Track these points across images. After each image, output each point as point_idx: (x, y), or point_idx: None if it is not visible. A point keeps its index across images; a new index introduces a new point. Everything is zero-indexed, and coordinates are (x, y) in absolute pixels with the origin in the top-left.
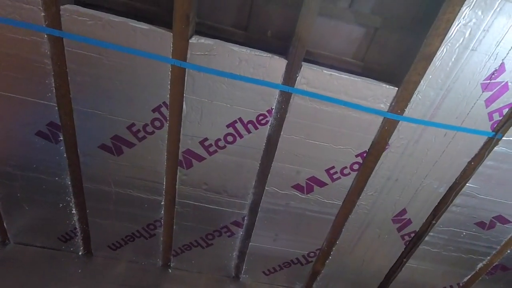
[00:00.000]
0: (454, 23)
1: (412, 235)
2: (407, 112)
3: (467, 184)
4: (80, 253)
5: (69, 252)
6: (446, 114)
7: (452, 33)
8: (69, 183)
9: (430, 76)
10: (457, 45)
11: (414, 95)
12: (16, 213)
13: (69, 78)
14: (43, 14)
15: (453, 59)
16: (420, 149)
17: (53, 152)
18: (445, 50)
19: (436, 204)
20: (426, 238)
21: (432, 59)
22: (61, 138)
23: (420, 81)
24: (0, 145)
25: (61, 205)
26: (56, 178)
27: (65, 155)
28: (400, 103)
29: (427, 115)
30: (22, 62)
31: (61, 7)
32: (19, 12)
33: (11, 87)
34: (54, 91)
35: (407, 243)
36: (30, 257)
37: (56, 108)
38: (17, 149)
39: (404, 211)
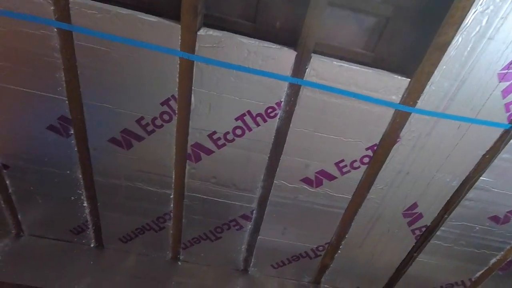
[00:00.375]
0: (470, 11)
1: (423, 229)
2: (420, 104)
3: (481, 178)
4: (91, 245)
5: (81, 244)
6: (460, 106)
7: (468, 21)
8: (80, 176)
9: (444, 67)
10: (473, 33)
11: (427, 86)
12: (30, 206)
13: (78, 72)
14: (52, 7)
15: (468, 48)
16: (432, 142)
17: (64, 146)
18: (460, 39)
19: (449, 198)
20: (438, 233)
21: (447, 49)
22: (72, 132)
23: (433, 72)
24: (13, 140)
25: (72, 198)
26: (68, 172)
27: (75, 149)
28: (412, 95)
29: (440, 106)
30: (32, 57)
31: (70, 0)
32: (28, 6)
33: (22, 81)
34: (64, 85)
35: (418, 237)
36: (44, 249)
37: (67, 102)
38: (29, 143)
39: (415, 205)
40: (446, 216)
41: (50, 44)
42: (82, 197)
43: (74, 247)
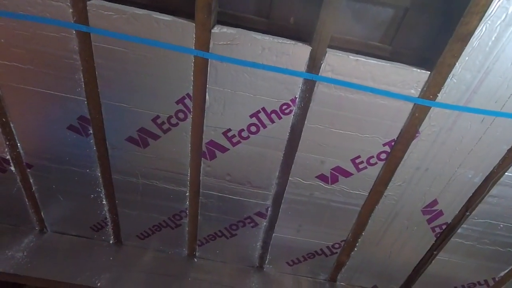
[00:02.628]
0: None
1: (444, 227)
2: (440, 98)
3: (506, 174)
4: (111, 242)
5: (101, 240)
6: (484, 99)
7: (493, 10)
8: (99, 174)
9: (467, 58)
10: (498, 22)
11: (448, 79)
12: (52, 204)
13: (96, 72)
14: (71, 10)
15: (493, 38)
16: (453, 137)
17: (84, 145)
18: (484, 28)
19: (471, 194)
20: (459, 230)
21: (470, 39)
22: (91, 132)
23: (455, 64)
24: (36, 140)
25: (92, 196)
26: (87, 170)
27: (94, 148)
28: (432, 88)
29: (462, 100)
30: (52, 59)
31: (88, 2)
32: (49, 10)
33: (43, 83)
34: (83, 85)
35: (438, 235)
36: (66, 244)
37: (86, 102)
38: (51, 143)
39: (435, 202)
40: (468, 213)
41: (69, 46)
42: (101, 195)
43: (94, 244)
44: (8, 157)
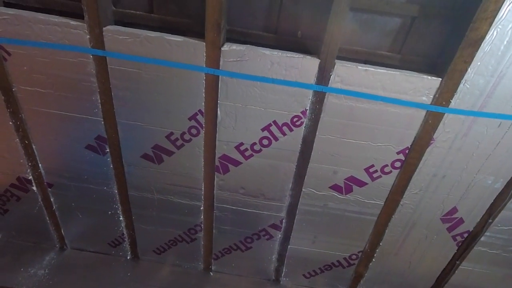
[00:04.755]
0: (504, 3)
1: (465, 235)
2: (453, 104)
3: None
4: (128, 257)
5: (118, 256)
6: (499, 103)
7: (503, 14)
8: (116, 191)
9: (479, 63)
10: (510, 26)
11: (461, 85)
12: (72, 221)
13: (112, 93)
14: (88, 36)
15: (505, 42)
16: (470, 142)
17: (101, 163)
18: (495, 33)
19: (492, 201)
20: (482, 239)
21: (481, 44)
22: (108, 150)
23: (467, 69)
24: (56, 159)
25: (109, 212)
26: (105, 188)
27: (111, 166)
28: (444, 94)
29: (476, 105)
30: (71, 82)
31: (104, 28)
32: (68, 37)
33: (63, 106)
34: (100, 106)
35: (460, 244)
36: (85, 261)
37: (102, 122)
38: (70, 162)
39: (454, 210)
40: (490, 220)
41: (87, 70)
42: (118, 211)
43: (112, 259)
44: (30, 177)
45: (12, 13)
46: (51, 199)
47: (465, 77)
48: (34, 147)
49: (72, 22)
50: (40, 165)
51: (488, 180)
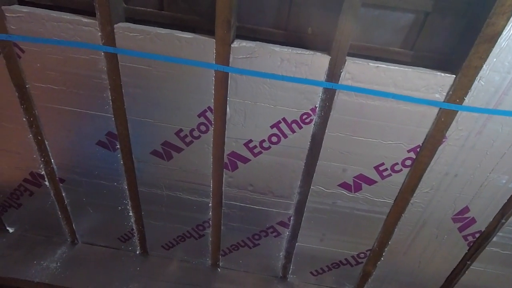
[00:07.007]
0: None
1: (477, 235)
2: (467, 101)
3: None
4: (137, 252)
5: (128, 251)
6: None
7: None
8: (126, 187)
9: (495, 59)
10: None
11: (476, 82)
12: (83, 216)
13: (123, 90)
14: (99, 33)
15: None
16: (483, 141)
17: (112, 160)
18: None
19: (505, 201)
20: (494, 239)
21: (497, 40)
22: (118, 146)
23: (482, 66)
24: (68, 155)
25: (119, 208)
26: (115, 183)
27: (121, 162)
28: (458, 92)
29: (491, 102)
30: (83, 79)
31: (115, 25)
32: (80, 35)
33: (75, 103)
34: (110, 103)
35: (471, 244)
36: (95, 255)
37: (113, 119)
38: (82, 158)
39: (466, 209)
40: (503, 220)
41: (98, 67)
42: (128, 207)
43: (121, 254)
44: (43, 172)
45: (26, 11)
46: (63, 194)
47: (480, 73)
48: (46, 143)
49: (84, 20)
50: (52, 160)
51: (502, 180)
